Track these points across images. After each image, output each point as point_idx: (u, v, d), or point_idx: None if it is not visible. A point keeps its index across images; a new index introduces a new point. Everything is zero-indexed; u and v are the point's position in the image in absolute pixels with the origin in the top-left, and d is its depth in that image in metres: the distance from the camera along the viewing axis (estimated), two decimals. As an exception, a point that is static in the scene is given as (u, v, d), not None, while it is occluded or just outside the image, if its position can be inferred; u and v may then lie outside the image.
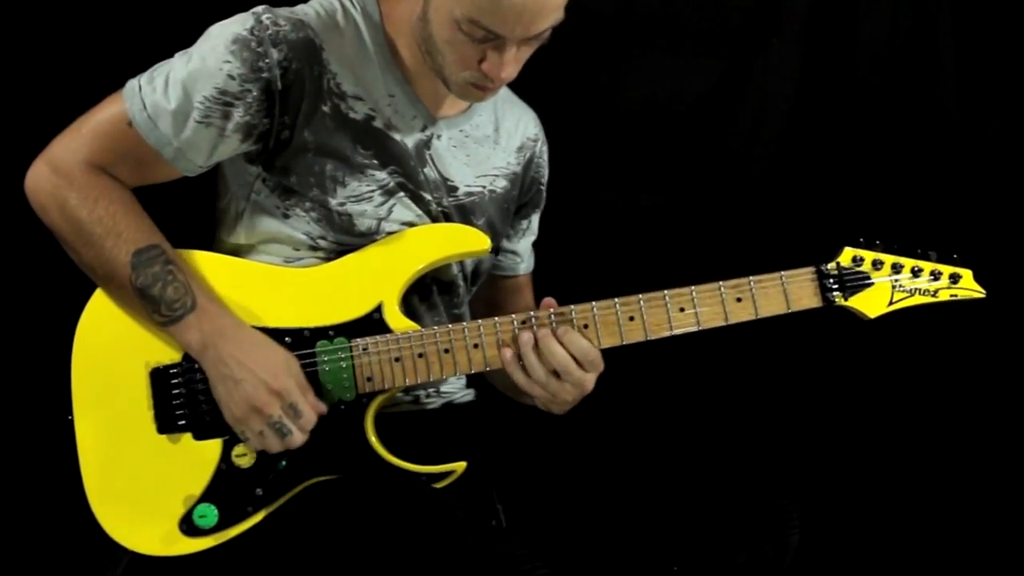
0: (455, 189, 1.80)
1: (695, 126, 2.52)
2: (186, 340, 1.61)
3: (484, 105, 1.84)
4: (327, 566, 1.58)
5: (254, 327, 1.64)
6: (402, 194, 1.72)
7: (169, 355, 1.67)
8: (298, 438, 1.61)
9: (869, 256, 1.69)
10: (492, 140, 1.87)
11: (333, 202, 1.68)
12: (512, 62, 1.60)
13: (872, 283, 1.69)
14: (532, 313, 1.66)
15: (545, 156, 2.00)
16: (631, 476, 1.75)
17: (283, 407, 1.59)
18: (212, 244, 1.79)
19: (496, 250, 1.91)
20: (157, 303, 1.60)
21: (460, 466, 1.68)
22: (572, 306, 1.67)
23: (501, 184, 1.87)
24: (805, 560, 1.75)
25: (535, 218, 2.02)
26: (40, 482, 2.13)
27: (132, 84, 1.63)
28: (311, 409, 1.61)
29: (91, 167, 1.61)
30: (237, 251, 1.75)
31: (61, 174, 1.60)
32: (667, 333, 1.67)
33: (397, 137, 1.72)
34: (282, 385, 1.59)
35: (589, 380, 1.65)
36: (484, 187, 1.84)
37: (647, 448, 1.81)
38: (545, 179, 2.01)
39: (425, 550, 1.52)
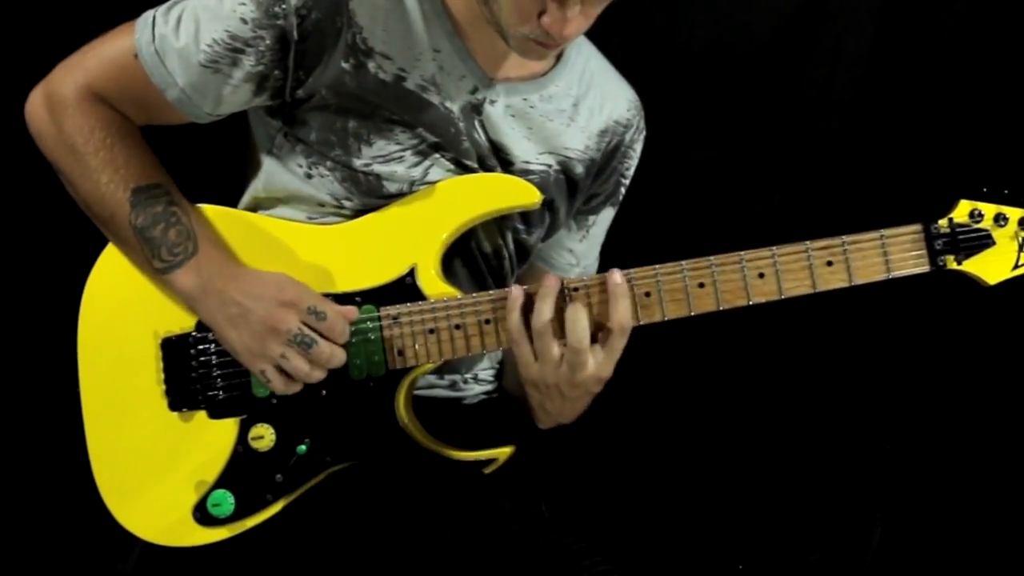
0: (510, 163, 1.61)
1: (763, 70, 2.31)
2: (184, 287, 1.51)
3: (566, 71, 1.64)
4: (352, 562, 1.48)
5: None
6: (438, 155, 1.56)
7: (180, 323, 1.56)
8: (326, 349, 1.46)
9: (991, 210, 1.47)
10: (567, 116, 1.64)
11: (358, 163, 1.54)
12: (578, 18, 1.40)
13: (994, 243, 1.47)
14: (584, 279, 1.49)
15: (637, 148, 1.76)
16: (691, 466, 1.66)
17: (301, 316, 1.46)
18: (238, 197, 1.68)
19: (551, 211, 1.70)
20: (157, 246, 1.51)
21: (504, 452, 1.55)
22: (632, 270, 1.48)
23: (578, 170, 1.66)
24: (888, 559, 1.63)
25: (605, 217, 1.78)
26: (45, 466, 2.06)
27: (147, 15, 1.54)
28: (336, 312, 1.47)
29: (91, 94, 1.53)
30: (258, 206, 1.64)
31: (57, 98, 1.52)
32: (743, 303, 1.48)
33: (436, 100, 1.54)
34: (293, 294, 1.46)
35: (591, 378, 1.46)
36: (549, 167, 1.63)
37: (707, 435, 1.71)
38: (630, 174, 1.77)
39: (467, 542, 1.42)
